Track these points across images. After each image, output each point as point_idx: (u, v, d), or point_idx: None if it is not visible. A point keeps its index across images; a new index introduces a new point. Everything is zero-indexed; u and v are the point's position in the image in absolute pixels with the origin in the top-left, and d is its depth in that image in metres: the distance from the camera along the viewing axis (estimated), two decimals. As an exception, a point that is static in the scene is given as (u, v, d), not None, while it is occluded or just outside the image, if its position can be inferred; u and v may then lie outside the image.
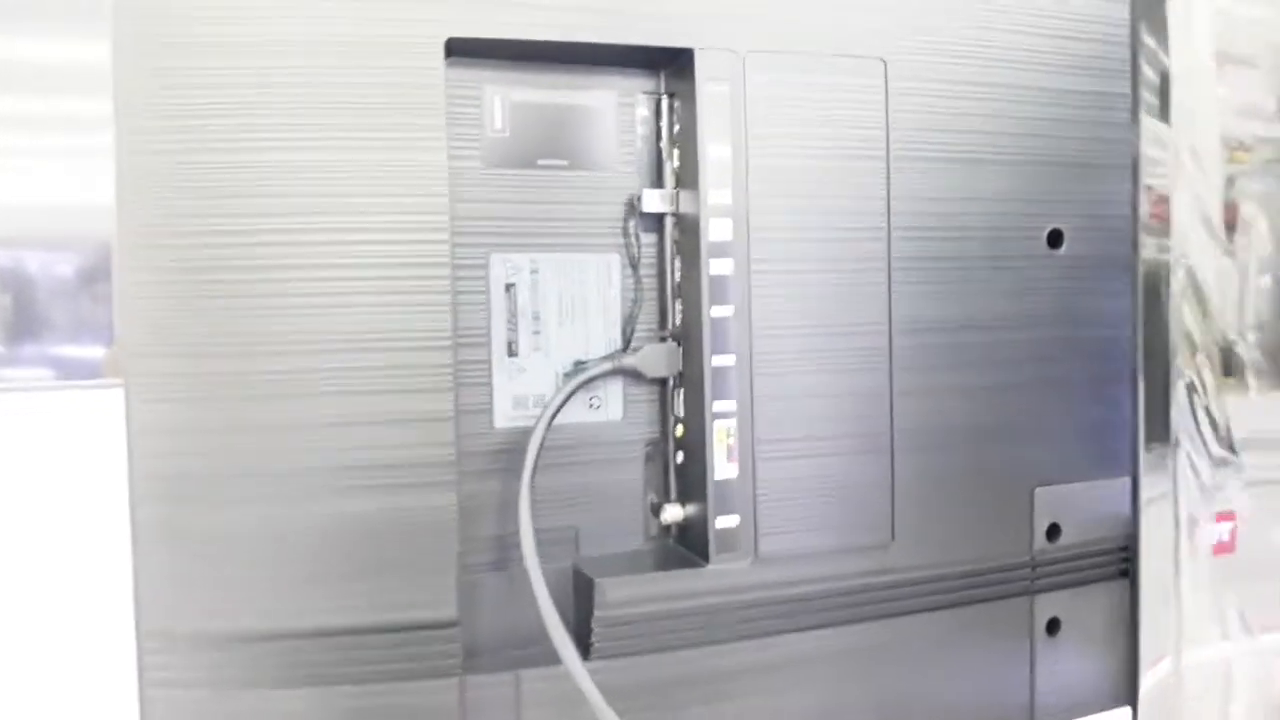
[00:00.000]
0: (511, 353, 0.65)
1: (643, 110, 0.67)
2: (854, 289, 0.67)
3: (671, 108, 0.64)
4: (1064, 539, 0.75)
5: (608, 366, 0.63)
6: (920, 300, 0.69)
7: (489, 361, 0.64)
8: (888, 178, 0.68)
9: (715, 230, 0.63)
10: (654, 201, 0.63)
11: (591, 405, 0.67)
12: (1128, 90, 0.73)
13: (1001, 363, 0.72)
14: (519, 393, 0.65)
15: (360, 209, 0.58)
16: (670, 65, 0.63)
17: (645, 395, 0.66)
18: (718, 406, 0.64)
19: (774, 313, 0.65)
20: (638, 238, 0.65)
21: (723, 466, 0.64)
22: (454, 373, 0.60)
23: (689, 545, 0.66)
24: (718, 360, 0.64)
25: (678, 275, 0.65)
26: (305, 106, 0.57)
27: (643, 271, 0.64)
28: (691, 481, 0.64)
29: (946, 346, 0.70)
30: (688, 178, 0.63)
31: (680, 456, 0.67)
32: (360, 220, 0.58)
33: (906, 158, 0.68)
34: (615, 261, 0.66)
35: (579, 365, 0.66)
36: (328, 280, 0.57)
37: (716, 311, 0.64)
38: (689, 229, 0.63)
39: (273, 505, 0.56)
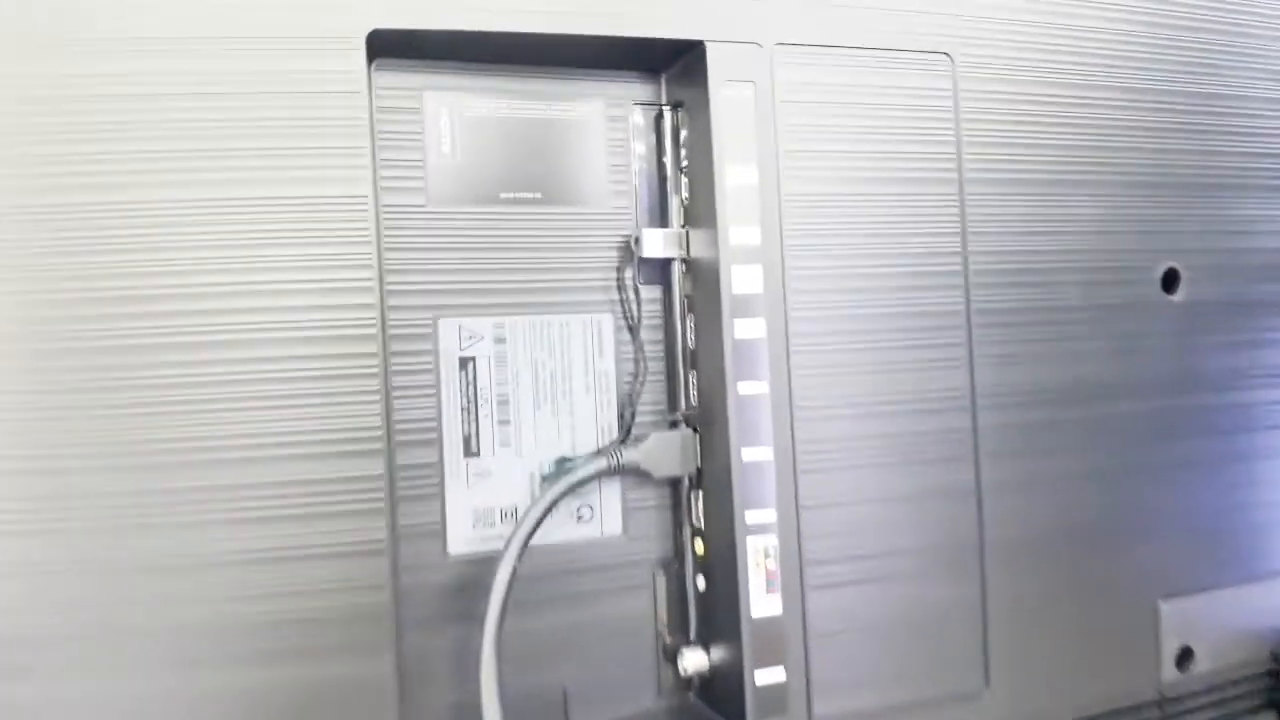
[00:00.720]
0: (470, 451, 0.48)
1: (639, 125, 0.52)
2: (923, 353, 0.51)
3: (677, 121, 0.50)
4: (1198, 666, 0.58)
5: (602, 465, 0.48)
6: (1007, 366, 0.53)
7: (439, 464, 0.48)
8: (961, 206, 0.52)
9: (740, 280, 0.48)
10: (657, 244, 0.50)
11: (580, 517, 0.50)
12: (1273, 93, 0.58)
13: (1110, 442, 0.56)
14: (481, 505, 0.49)
15: (255, 264, 0.42)
16: (674, 65, 0.49)
17: (653, 501, 0.53)
18: (751, 517, 0.48)
19: (820, 388, 0.49)
20: (637, 292, 0.49)
21: (760, 598, 0.48)
22: (389, 485, 0.43)
23: (717, 704, 0.50)
24: (749, 453, 0.48)
25: (691, 340, 0.50)
26: (174, 127, 0.41)
27: (644, 336, 0.52)
28: (718, 618, 0.50)
29: (1042, 425, 0.54)
30: (701, 212, 0.50)
31: (702, 583, 0.51)
32: (255, 281, 0.42)
33: (984, 179, 0.53)
34: (607, 324, 0.51)
35: (563, 464, 0.50)
36: (212, 368, 0.41)
37: (745, 388, 0.48)
38: (705, 279, 0.49)
39: (154, 675, 0.40)
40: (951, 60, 0.52)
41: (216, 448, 0.41)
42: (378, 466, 0.43)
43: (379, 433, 0.43)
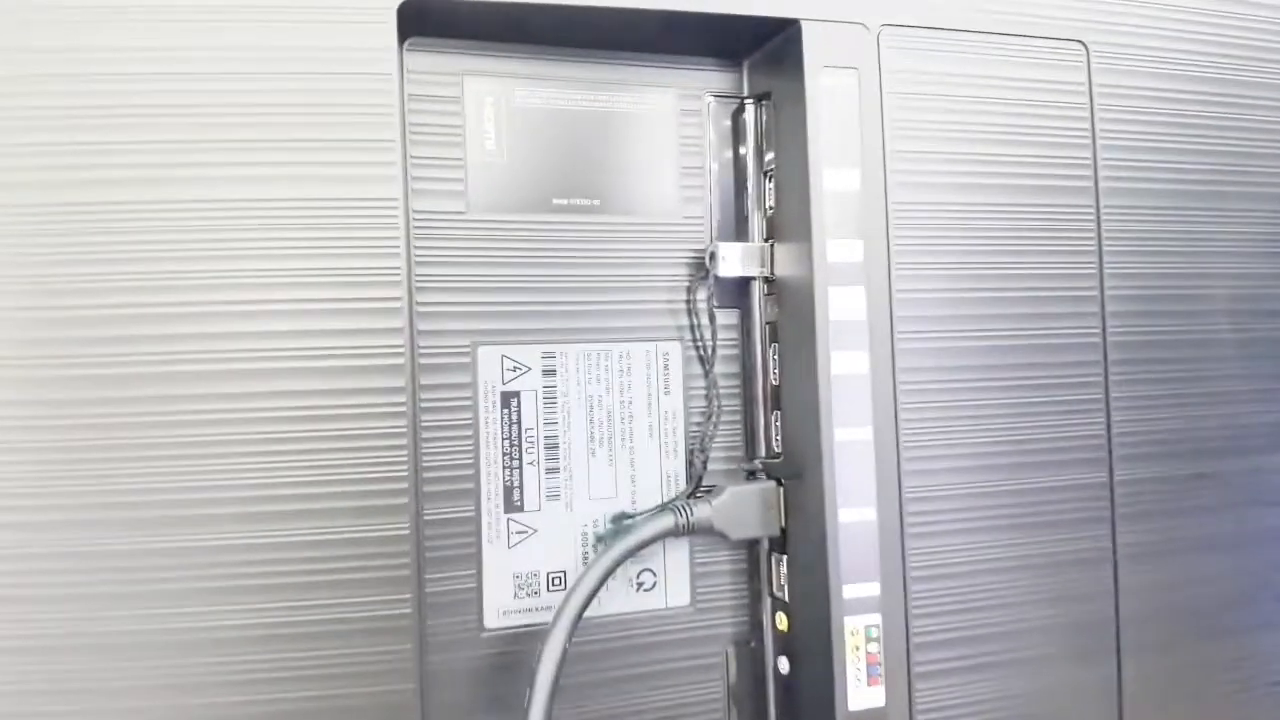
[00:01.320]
0: (513, 504, 0.41)
1: (716, 120, 0.44)
2: (1053, 393, 0.43)
3: (761, 116, 0.42)
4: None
5: (668, 524, 0.40)
6: (1148, 409, 0.45)
7: (476, 520, 0.40)
8: (1098, 220, 0.44)
9: (838, 304, 0.40)
10: (735, 261, 0.44)
11: (641, 585, 0.43)
12: None
13: (1265, 499, 0.47)
14: (525, 570, 0.41)
15: (258, 279, 0.35)
16: (760, 49, 0.43)
17: (726, 566, 0.45)
18: (851, 591, 0.40)
19: (933, 434, 0.42)
20: (712, 317, 0.42)
21: (859, 688, 0.40)
22: (415, 547, 0.36)
23: (804, 816, 0.42)
24: (848, 513, 0.40)
25: (775, 375, 0.43)
26: (162, 113, 0.35)
27: (719, 369, 0.44)
28: (805, 709, 0.43)
29: (1186, 480, 0.46)
30: (790, 223, 0.43)
31: (785, 665, 0.43)
32: (257, 300, 0.35)
33: (1123, 189, 0.45)
34: (675, 354, 0.43)
35: (621, 521, 0.42)
36: (199, 403, 0.34)
37: (843, 433, 0.40)
38: (794, 303, 0.42)
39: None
40: (1086, 50, 0.44)
41: (204, 500, 0.34)
42: (403, 524, 0.36)
43: (405, 484, 0.36)
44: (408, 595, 0.36)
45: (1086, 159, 0.44)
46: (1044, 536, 0.43)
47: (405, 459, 0.36)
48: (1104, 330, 0.44)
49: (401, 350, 0.36)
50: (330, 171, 0.36)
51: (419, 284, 0.40)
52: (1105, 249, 0.44)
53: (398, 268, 0.36)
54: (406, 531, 0.36)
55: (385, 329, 0.36)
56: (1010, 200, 0.43)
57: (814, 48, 0.40)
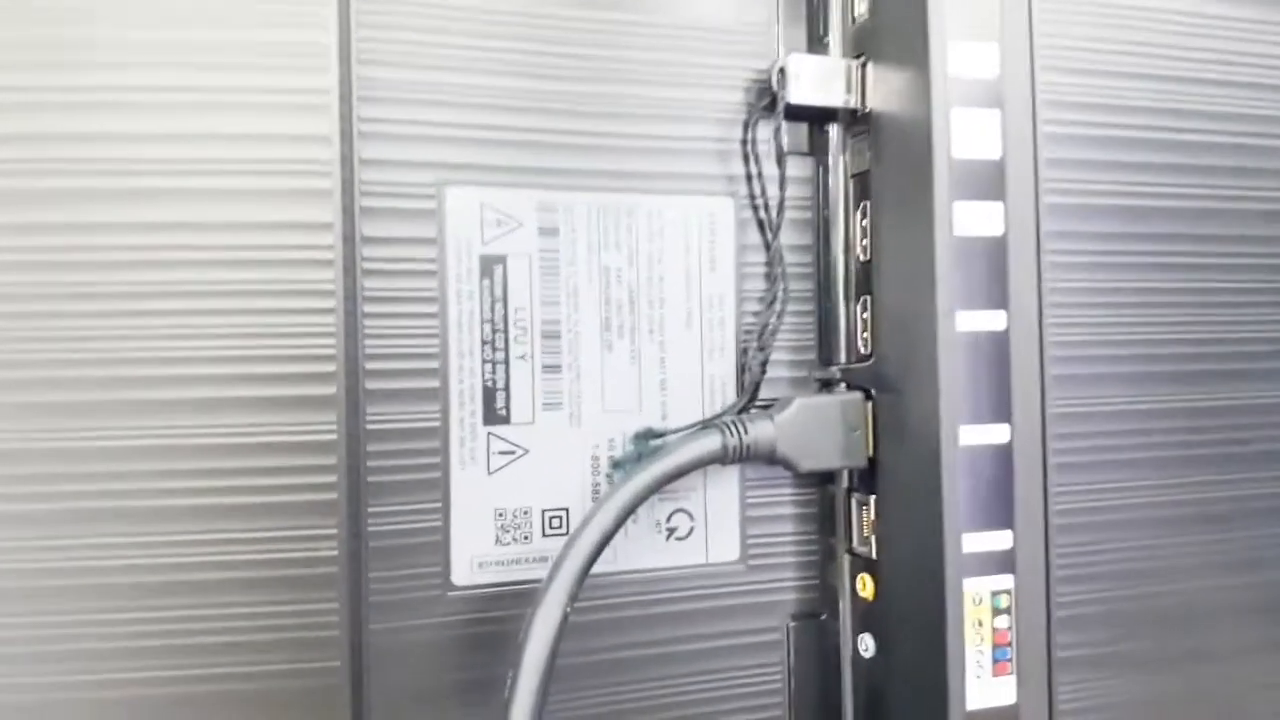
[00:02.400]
0: (496, 414, 0.30)
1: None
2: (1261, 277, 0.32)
3: None
4: None
5: (713, 446, 0.29)
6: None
7: (442, 433, 0.29)
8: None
9: (965, 138, 0.28)
10: (813, 82, 0.32)
11: (673, 531, 0.31)
12: None
13: None
14: (510, 504, 0.30)
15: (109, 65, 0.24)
16: None
17: (789, 509, 0.34)
18: (972, 543, 0.28)
19: (1091, 324, 0.30)
20: (781, 160, 0.30)
21: (981, 682, 0.28)
22: (347, 461, 0.25)
23: None
24: (969, 434, 0.28)
25: (864, 247, 0.32)
26: None
27: (787, 238, 0.33)
28: (902, 706, 0.32)
29: None
30: (892, 25, 0.31)
31: (869, 645, 0.32)
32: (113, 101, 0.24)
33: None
34: (724, 213, 0.32)
35: (647, 441, 0.31)
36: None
37: (967, 321, 0.28)
38: (899, 139, 0.31)
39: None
40: None
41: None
42: (328, 425, 0.25)
43: (332, 368, 0.25)
44: (332, 530, 0.25)
45: None
46: (1242, 473, 0.31)
47: (331, 332, 0.25)
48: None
49: (326, 175, 0.25)
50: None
51: (363, 91, 0.28)
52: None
53: (324, 66, 0.25)
54: (333, 437, 0.25)
55: (304, 134, 0.25)
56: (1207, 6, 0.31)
57: None
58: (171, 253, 0.25)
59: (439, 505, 0.29)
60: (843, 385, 0.32)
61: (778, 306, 0.32)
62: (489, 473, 0.30)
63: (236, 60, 0.25)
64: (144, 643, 0.25)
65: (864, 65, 0.32)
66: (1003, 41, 0.29)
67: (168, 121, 0.25)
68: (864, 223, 0.32)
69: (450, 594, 0.29)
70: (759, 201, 0.32)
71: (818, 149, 0.33)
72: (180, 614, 0.25)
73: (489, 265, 0.29)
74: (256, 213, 0.25)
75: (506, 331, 0.30)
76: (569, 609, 0.27)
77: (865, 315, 0.32)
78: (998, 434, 0.29)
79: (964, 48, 0.29)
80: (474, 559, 0.29)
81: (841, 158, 0.32)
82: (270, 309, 0.25)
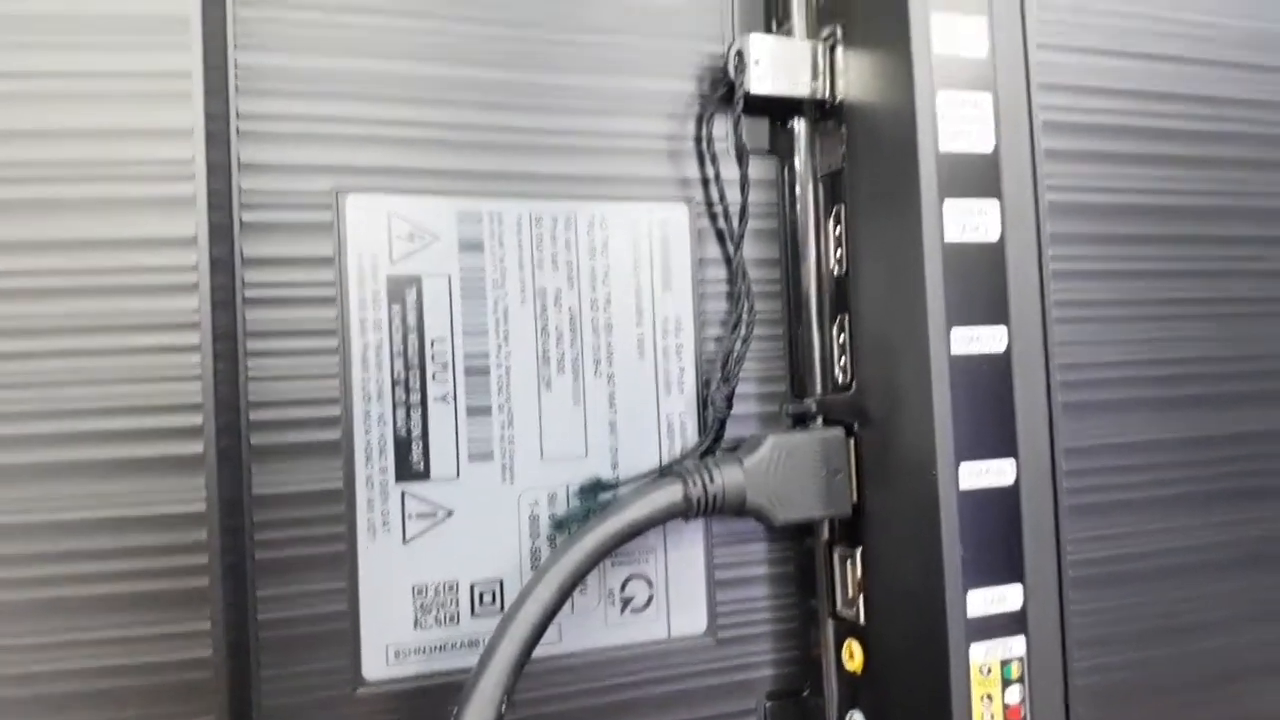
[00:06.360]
0: (411, 469, 0.26)
1: None
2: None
3: None
4: None
5: (673, 499, 0.26)
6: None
7: (347, 495, 0.26)
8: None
9: (953, 128, 0.26)
10: (775, 68, 0.30)
11: (628, 601, 0.28)
12: None
13: None
14: (431, 578, 0.26)
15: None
16: None
17: (764, 567, 0.32)
18: (978, 602, 0.26)
19: (1104, 344, 0.28)
20: (743, 158, 0.27)
21: (994, 765, 0.26)
22: (220, 539, 0.21)
23: None
24: (971, 472, 0.26)
25: (839, 258, 0.30)
26: None
27: (752, 250, 0.31)
28: None
29: None
30: (864, 3, 0.29)
31: (861, 726, 0.29)
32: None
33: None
34: (677, 220, 0.29)
35: (596, 494, 0.28)
36: None
37: (962, 341, 0.26)
38: (876, 132, 0.29)
39: None
40: None
41: None
42: (196, 496, 0.21)
43: (197, 419, 0.21)
44: (205, 624, 0.21)
45: None
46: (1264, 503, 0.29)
47: (195, 375, 0.21)
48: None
49: (188, 179, 0.21)
50: None
51: (243, 81, 0.25)
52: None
53: (184, 44, 0.21)
54: (201, 507, 0.21)
55: (168, 129, 0.21)
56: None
57: None
58: (16, 280, 0.22)
59: (344, 585, 0.25)
60: (820, 420, 0.30)
61: (742, 330, 0.29)
62: (404, 541, 0.26)
63: (70, 39, 0.22)
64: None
65: (833, 47, 0.29)
66: (992, 14, 0.27)
67: (17, 116, 0.21)
68: (838, 231, 0.29)
69: (360, 691, 0.26)
70: (717, 209, 0.30)
71: (781, 147, 0.31)
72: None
73: (399, 288, 0.26)
74: (98, 228, 0.22)
75: (423, 368, 0.26)
76: (505, 704, 0.24)
77: (843, 338, 0.29)
78: (1002, 473, 0.27)
79: (949, 21, 0.27)
80: (389, 647, 0.26)
81: (810, 156, 0.30)
82: (120, 348, 0.21)
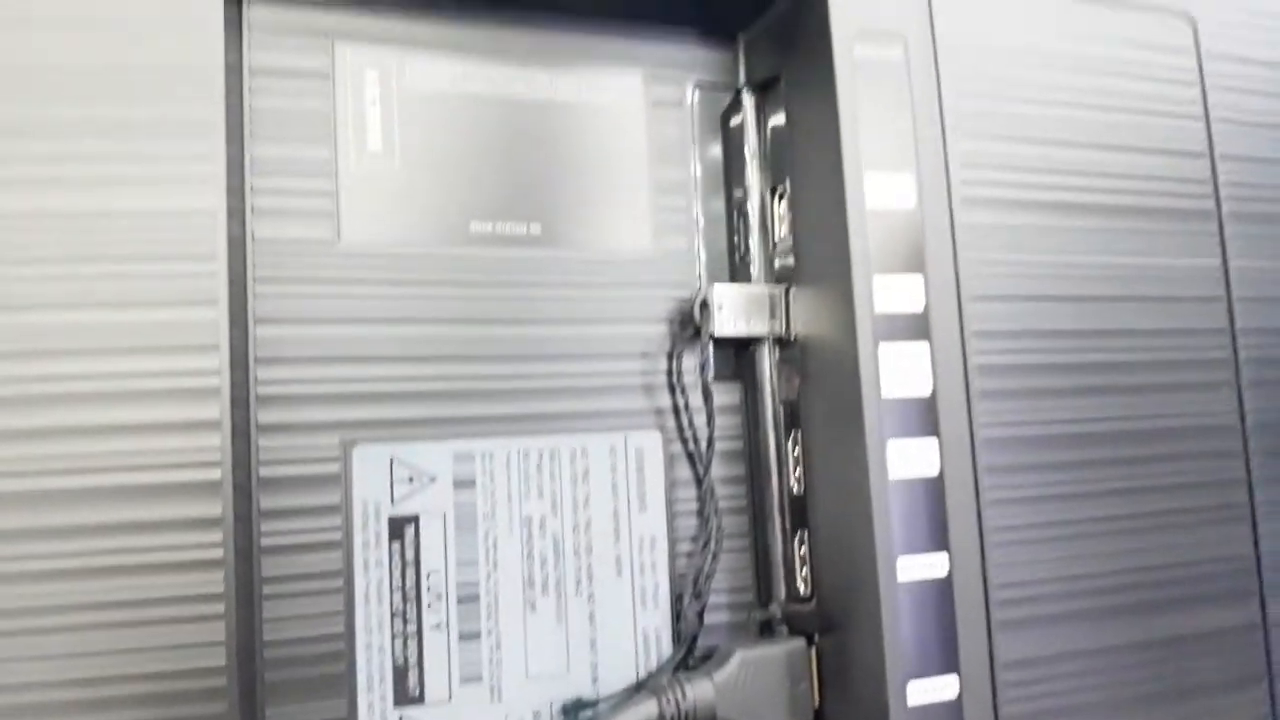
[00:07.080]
0: (408, 695, 0.29)
1: (703, 116, 0.34)
2: (1197, 496, 0.33)
3: (765, 109, 0.33)
4: None
5: (651, 714, 0.29)
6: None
7: (350, 718, 0.28)
8: (1224, 256, 0.35)
9: (894, 373, 0.30)
10: (735, 313, 0.34)
11: (608, 810, 0.31)
12: None
13: None
14: (427, 798, 0.29)
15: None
16: (763, 16, 0.34)
17: None
18: (932, 813, 0.29)
19: (1037, 563, 0.32)
20: (707, 396, 0.31)
21: None
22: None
23: None
24: (920, 688, 0.29)
25: (797, 479, 0.34)
26: None
27: (719, 471, 0.34)
28: None
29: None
30: (814, 257, 0.33)
31: None
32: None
33: (1252, 213, 0.36)
34: (652, 449, 0.32)
35: (578, 713, 0.30)
36: None
37: (911, 566, 0.29)
38: (826, 371, 0.32)
39: None
40: (1194, 27, 0.36)
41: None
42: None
43: (221, 678, 0.24)
44: None
45: (1205, 173, 0.35)
46: (1208, 700, 0.32)
47: (219, 632, 0.24)
48: (1240, 407, 0.35)
49: (216, 459, 0.24)
50: (113, 171, 0.25)
51: (262, 352, 0.28)
52: (1235, 296, 0.35)
53: (214, 320, 0.25)
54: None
55: (197, 421, 0.25)
56: (1117, 224, 0.34)
57: (843, 12, 0.31)
58: (50, 561, 0.24)
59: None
60: (784, 628, 0.33)
61: (712, 547, 0.32)
62: (400, 763, 0.29)
63: (118, 345, 0.25)
64: None
65: (788, 292, 0.33)
66: (928, 274, 0.31)
67: (38, 416, 0.24)
68: (796, 452, 0.33)
69: None
70: (688, 434, 0.33)
71: (745, 373, 0.34)
72: None
73: (399, 527, 0.29)
74: (132, 513, 0.24)
75: (419, 599, 0.29)
76: None
77: (803, 550, 0.33)
78: (946, 687, 0.30)
79: (888, 281, 0.30)
80: None
81: (770, 383, 0.34)
82: (149, 620, 0.24)
